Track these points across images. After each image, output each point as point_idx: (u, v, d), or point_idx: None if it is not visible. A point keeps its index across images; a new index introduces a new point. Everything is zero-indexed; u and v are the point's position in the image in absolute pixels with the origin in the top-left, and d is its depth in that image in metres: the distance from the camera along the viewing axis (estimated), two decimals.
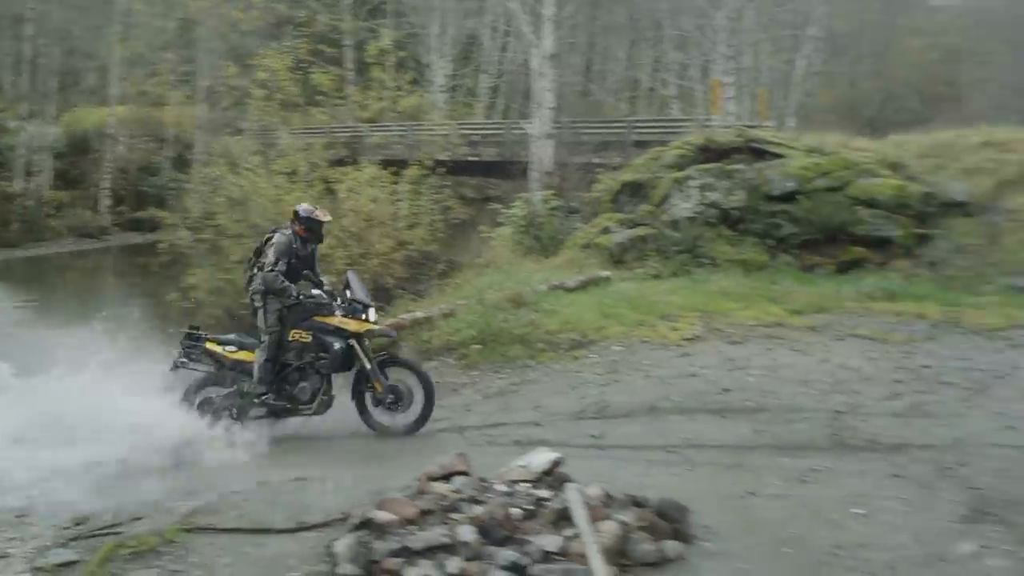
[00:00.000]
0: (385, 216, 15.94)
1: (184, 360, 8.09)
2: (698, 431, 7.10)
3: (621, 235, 14.58)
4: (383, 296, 13.97)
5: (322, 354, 7.86)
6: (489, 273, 13.68)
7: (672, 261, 13.73)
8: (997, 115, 26.71)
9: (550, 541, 4.41)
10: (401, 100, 28.42)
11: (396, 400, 7.82)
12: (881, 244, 13.63)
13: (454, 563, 4.24)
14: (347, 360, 7.89)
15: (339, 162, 18.96)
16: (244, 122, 25.95)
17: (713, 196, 14.36)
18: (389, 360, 8.11)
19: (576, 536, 4.42)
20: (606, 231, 14.87)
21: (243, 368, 7.96)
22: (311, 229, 8.18)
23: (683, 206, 14.37)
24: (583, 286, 12.23)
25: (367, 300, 8.09)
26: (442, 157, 21.96)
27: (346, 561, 4.32)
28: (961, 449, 6.40)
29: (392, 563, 4.25)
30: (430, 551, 4.34)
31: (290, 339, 7.93)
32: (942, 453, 6.31)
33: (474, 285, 12.49)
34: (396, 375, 7.95)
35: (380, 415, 7.93)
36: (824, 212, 13.75)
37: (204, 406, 7.86)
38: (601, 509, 4.72)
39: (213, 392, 7.98)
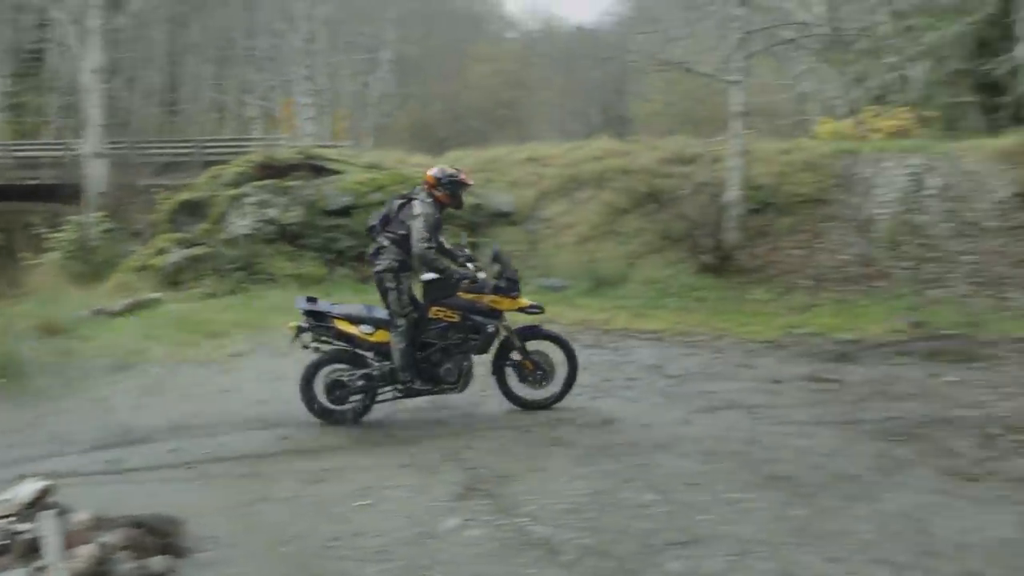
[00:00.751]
0: None
1: (316, 345, 7.35)
2: (223, 445, 6.94)
3: (177, 255, 14.13)
4: None
5: (472, 335, 7.29)
6: (27, 301, 12.57)
7: (228, 279, 13.53)
8: (555, 134, 29.43)
9: (15, 575, 4.09)
10: None
11: (543, 375, 7.53)
12: None
13: None
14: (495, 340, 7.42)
15: None
16: None
17: (271, 213, 14.38)
18: (529, 333, 7.62)
19: (47, 565, 4.15)
20: (161, 252, 14.33)
21: (380, 349, 7.23)
22: (455, 195, 7.37)
23: (240, 223, 14.24)
24: (130, 309, 11.65)
25: (516, 276, 7.52)
26: None
27: None
28: (469, 434, 6.87)
29: None
30: None
31: (431, 316, 7.27)
32: (451, 440, 6.72)
33: (2, 315, 11.38)
34: (532, 346, 7.60)
35: (523, 390, 7.58)
36: None
37: (335, 389, 7.28)
38: (83, 533, 4.46)
39: (345, 374, 7.28)
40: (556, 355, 7.63)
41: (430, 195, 7.27)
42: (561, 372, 7.62)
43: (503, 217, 15.68)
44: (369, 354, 7.29)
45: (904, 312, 11.89)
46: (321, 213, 14.49)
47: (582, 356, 9.47)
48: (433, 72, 42.50)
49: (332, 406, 7.32)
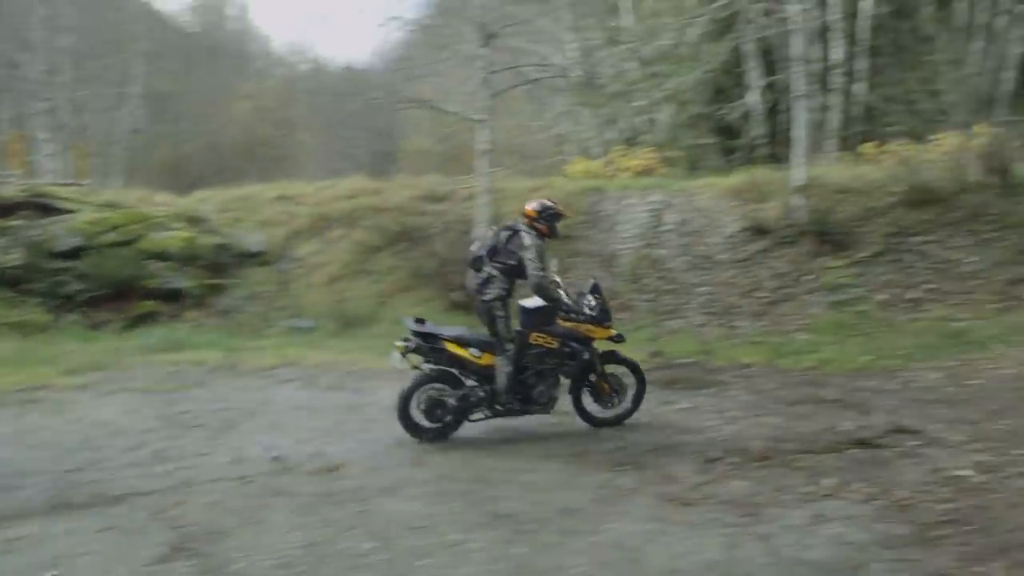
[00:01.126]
0: None
1: (432, 370, 7.64)
2: None
3: None
4: None
5: (568, 361, 7.81)
6: None
7: None
8: (323, 173, 28.89)
9: None
10: None
11: (615, 396, 8.13)
12: (173, 296, 13.67)
13: None
14: None
15: None
16: None
17: None
18: (609, 358, 8.12)
19: None
20: None
21: (484, 372, 7.64)
22: (552, 226, 7.83)
23: None
24: None
25: (608, 307, 8.07)
26: None
27: None
28: (184, 489, 6.40)
29: None
30: None
31: (531, 342, 7.69)
32: (163, 497, 6.21)
33: None
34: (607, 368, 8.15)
35: (597, 410, 8.13)
36: (112, 267, 13.41)
37: (435, 408, 7.58)
38: None
39: (445, 394, 7.61)
40: (627, 378, 8.24)
41: (531, 227, 7.66)
42: (630, 393, 8.24)
43: (253, 257, 15.16)
44: (471, 376, 7.69)
45: (645, 343, 12.35)
46: (48, 255, 13.45)
47: (320, 399, 9.33)
48: (192, 109, 40.83)
49: (427, 423, 7.62)
